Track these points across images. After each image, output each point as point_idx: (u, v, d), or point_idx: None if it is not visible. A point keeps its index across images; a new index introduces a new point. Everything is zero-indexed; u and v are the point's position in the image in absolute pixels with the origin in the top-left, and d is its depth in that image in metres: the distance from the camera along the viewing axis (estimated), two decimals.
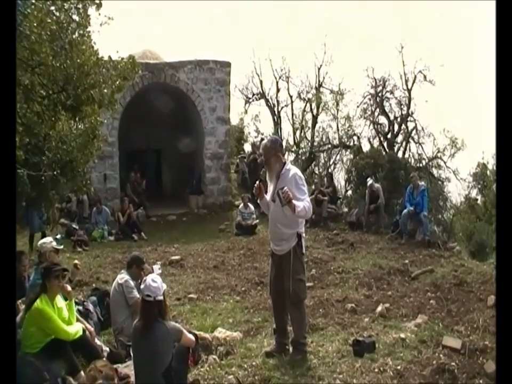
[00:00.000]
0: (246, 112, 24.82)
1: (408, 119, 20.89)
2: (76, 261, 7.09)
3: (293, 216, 5.13)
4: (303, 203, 5.04)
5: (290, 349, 5.40)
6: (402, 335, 5.72)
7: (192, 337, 4.77)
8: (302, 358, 5.23)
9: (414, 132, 20.92)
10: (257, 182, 5.40)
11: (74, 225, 13.22)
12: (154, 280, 4.53)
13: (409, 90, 20.61)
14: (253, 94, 24.26)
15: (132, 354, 4.96)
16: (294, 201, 4.91)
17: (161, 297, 4.51)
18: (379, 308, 7.18)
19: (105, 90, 7.13)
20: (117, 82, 7.25)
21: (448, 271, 9.18)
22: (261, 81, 23.79)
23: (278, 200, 5.04)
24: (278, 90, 23.59)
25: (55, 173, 7.28)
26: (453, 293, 8.03)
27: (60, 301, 5.45)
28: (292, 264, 5.19)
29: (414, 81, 20.48)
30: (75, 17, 7.00)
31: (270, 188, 5.40)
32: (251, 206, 14.09)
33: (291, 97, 23.22)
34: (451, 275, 8.90)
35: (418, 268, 9.65)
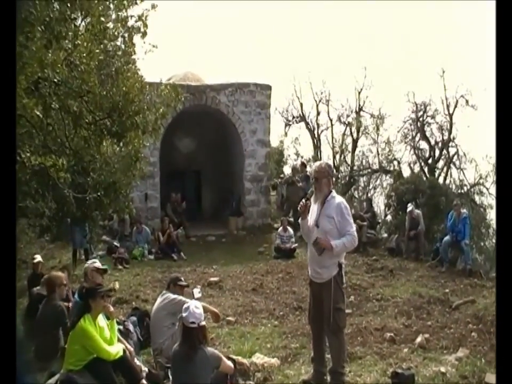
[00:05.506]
0: (286, 134, 24.98)
1: (450, 144, 20.59)
2: (116, 284, 7.03)
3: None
4: (343, 240, 5.11)
5: (328, 378, 5.34)
6: (442, 369, 5.59)
7: (230, 364, 4.80)
8: None
9: (455, 157, 20.60)
10: (304, 200, 5.39)
11: (115, 243, 13.46)
12: (197, 306, 4.61)
13: (450, 115, 20.35)
14: (293, 117, 24.38)
15: (170, 377, 5.02)
16: (331, 242, 5.05)
17: (204, 323, 4.58)
18: (418, 339, 7.06)
19: (149, 117, 7.33)
20: (161, 110, 7.45)
21: (490, 303, 8.88)
22: (301, 104, 23.93)
23: (321, 227, 5.18)
24: (318, 113, 23.64)
25: (98, 194, 7.50)
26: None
27: (101, 320, 5.53)
28: (332, 293, 5.15)
29: (455, 106, 20.24)
30: (121, 45, 7.27)
31: (314, 209, 5.36)
32: (290, 230, 14.05)
33: (331, 120, 23.22)
34: (494, 307, 8.65)
35: (459, 297, 9.45)
